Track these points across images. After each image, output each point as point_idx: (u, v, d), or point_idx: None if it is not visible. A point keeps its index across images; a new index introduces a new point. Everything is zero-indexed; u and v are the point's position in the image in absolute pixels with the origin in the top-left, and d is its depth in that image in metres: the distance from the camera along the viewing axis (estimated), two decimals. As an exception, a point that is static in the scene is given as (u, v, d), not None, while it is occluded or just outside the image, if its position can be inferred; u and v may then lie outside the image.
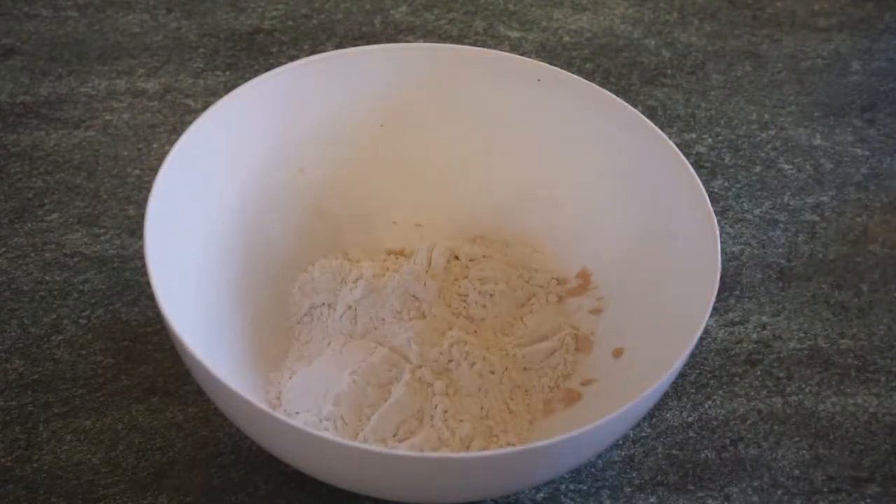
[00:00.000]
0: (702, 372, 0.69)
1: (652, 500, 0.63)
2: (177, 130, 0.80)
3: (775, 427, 0.67)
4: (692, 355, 0.67)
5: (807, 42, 0.93)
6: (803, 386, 0.69)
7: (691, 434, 0.66)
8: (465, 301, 0.69)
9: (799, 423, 0.67)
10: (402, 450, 0.61)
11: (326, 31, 0.90)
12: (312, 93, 0.70)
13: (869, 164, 0.83)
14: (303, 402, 0.63)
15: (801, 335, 0.72)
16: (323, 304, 0.69)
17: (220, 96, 0.67)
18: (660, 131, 0.66)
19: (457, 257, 0.72)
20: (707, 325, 0.61)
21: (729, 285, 0.74)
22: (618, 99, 0.68)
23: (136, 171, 0.78)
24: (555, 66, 0.70)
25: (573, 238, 0.71)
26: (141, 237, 0.60)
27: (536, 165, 0.72)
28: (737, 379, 0.69)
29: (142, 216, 0.59)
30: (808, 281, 0.75)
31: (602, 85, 0.71)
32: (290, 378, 0.64)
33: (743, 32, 0.93)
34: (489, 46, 0.88)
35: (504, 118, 0.72)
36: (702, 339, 0.70)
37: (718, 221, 0.63)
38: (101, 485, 0.62)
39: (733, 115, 0.86)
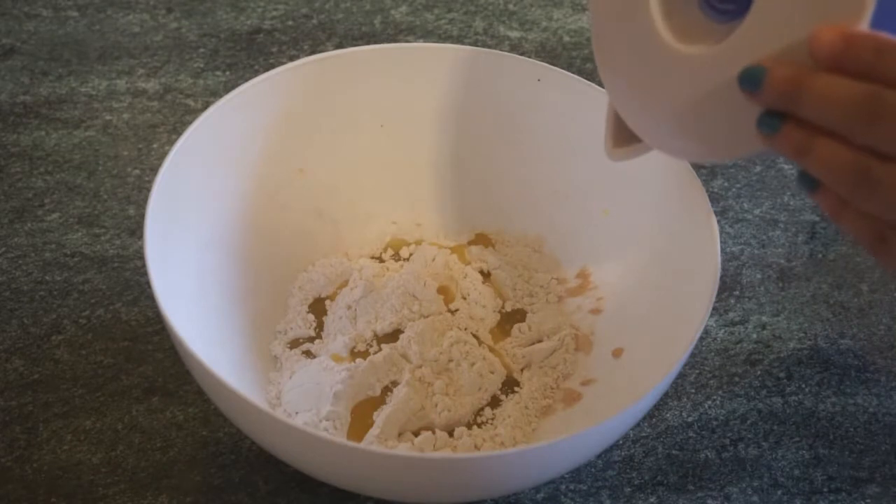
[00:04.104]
0: (702, 372, 0.69)
1: (652, 500, 0.63)
2: (177, 130, 0.80)
3: (775, 427, 0.67)
4: (692, 355, 0.67)
5: (807, 42, 0.93)
6: (803, 386, 0.69)
7: (691, 434, 0.66)
8: (465, 301, 0.69)
9: (799, 423, 0.67)
10: (402, 450, 0.61)
11: (326, 31, 0.90)
12: (312, 93, 0.70)
13: (869, 164, 0.83)
14: (303, 401, 0.63)
15: (801, 335, 0.72)
16: (323, 303, 0.69)
17: (220, 96, 0.67)
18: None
19: (457, 257, 0.72)
20: (707, 325, 0.61)
21: (729, 285, 0.74)
22: (618, 99, 0.68)
23: (136, 171, 0.78)
24: (555, 66, 0.70)
25: (573, 238, 0.71)
26: (141, 237, 0.60)
27: (536, 165, 0.72)
28: (737, 379, 0.69)
29: (142, 216, 0.59)
30: (808, 281, 0.75)
31: (602, 85, 0.71)
32: (290, 378, 0.65)
33: (743, 32, 0.93)
34: (489, 46, 0.88)
35: (504, 118, 0.72)
36: (702, 339, 0.70)
37: (718, 221, 0.63)
38: (101, 485, 0.62)
39: (733, 115, 0.86)
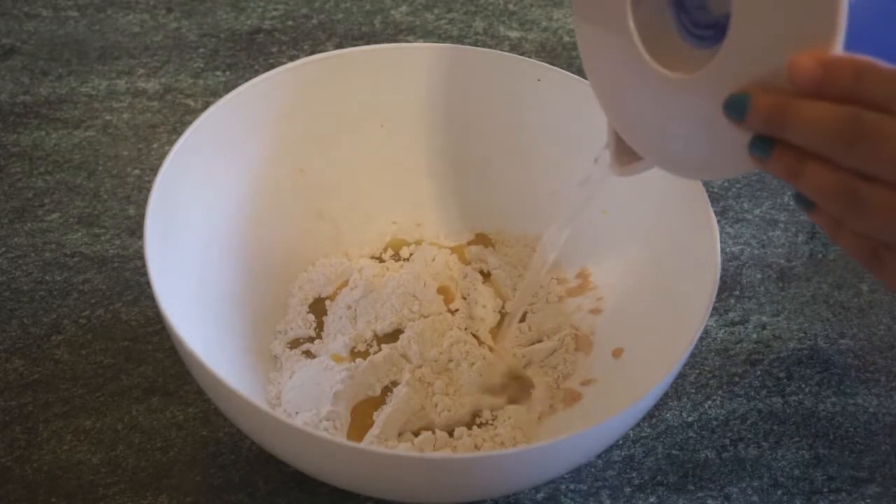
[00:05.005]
0: (702, 372, 0.69)
1: (652, 500, 0.63)
2: (177, 130, 0.80)
3: (775, 427, 0.67)
4: (692, 355, 0.67)
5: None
6: (803, 386, 0.69)
7: (691, 434, 0.66)
8: (465, 301, 0.69)
9: (799, 423, 0.67)
10: (402, 450, 0.61)
11: (326, 31, 0.90)
12: (312, 93, 0.70)
13: (869, 164, 0.83)
14: (303, 402, 0.63)
15: (801, 335, 0.72)
16: (323, 303, 0.69)
17: (220, 96, 0.67)
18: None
19: (457, 257, 0.72)
20: (707, 325, 0.61)
21: (729, 285, 0.74)
22: (618, 99, 0.68)
23: (136, 171, 0.78)
24: (555, 66, 0.70)
25: (573, 238, 0.71)
26: (141, 237, 0.60)
27: (536, 165, 0.72)
28: (737, 379, 0.69)
29: (142, 216, 0.59)
30: (808, 281, 0.75)
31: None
32: (290, 378, 0.65)
33: (743, 32, 0.93)
34: (489, 46, 0.88)
35: (504, 118, 0.72)
36: (702, 339, 0.70)
37: (718, 221, 0.63)
38: (101, 485, 0.62)
39: (733, 115, 0.86)
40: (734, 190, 0.80)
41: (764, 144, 0.45)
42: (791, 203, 0.80)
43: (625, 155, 0.57)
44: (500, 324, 0.69)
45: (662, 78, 0.51)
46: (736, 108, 0.45)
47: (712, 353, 0.70)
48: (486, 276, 0.71)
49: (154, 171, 0.62)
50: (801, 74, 0.43)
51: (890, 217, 0.43)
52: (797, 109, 0.43)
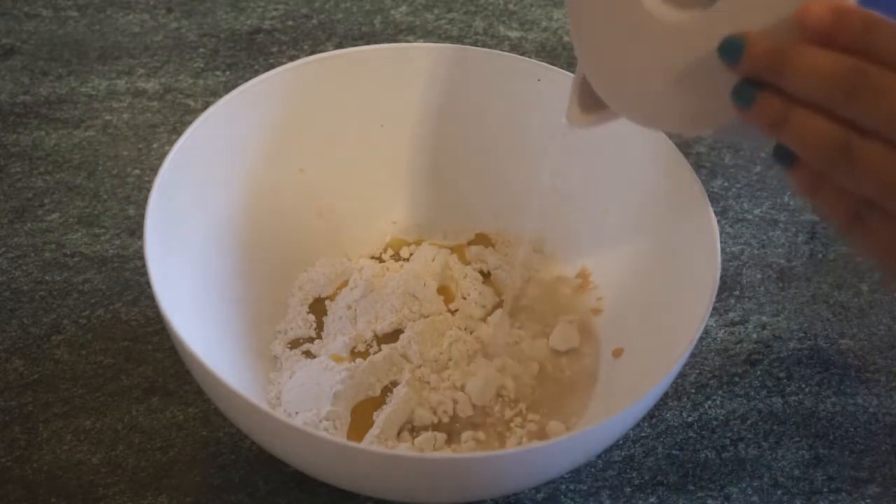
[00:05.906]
0: (702, 372, 0.69)
1: (652, 500, 0.63)
2: (177, 130, 0.80)
3: (775, 427, 0.67)
4: (692, 355, 0.67)
5: (807, 42, 0.92)
6: (803, 386, 0.69)
7: (691, 434, 0.66)
8: (465, 301, 0.69)
9: (799, 423, 0.67)
10: (403, 450, 0.61)
11: (326, 31, 0.90)
12: (312, 93, 0.70)
13: (869, 164, 0.83)
14: (303, 401, 0.63)
15: (801, 335, 0.72)
16: (323, 303, 0.69)
17: (220, 96, 0.67)
18: (660, 131, 0.66)
19: (457, 257, 0.72)
20: (707, 325, 0.61)
21: (729, 285, 0.74)
22: (618, 99, 0.68)
23: (136, 171, 0.78)
24: (555, 66, 0.70)
25: (573, 238, 0.71)
26: (141, 237, 0.60)
27: (536, 165, 0.72)
28: (737, 379, 0.69)
29: (142, 216, 0.59)
30: (808, 281, 0.75)
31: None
32: (290, 378, 0.65)
33: (743, 32, 0.93)
34: (489, 46, 0.88)
35: (504, 118, 0.72)
36: (702, 339, 0.70)
37: (718, 221, 0.63)
38: (101, 485, 0.62)
39: (733, 115, 0.86)
40: (734, 190, 0.80)
41: (749, 91, 0.45)
42: (791, 203, 0.80)
43: (587, 105, 0.56)
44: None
45: (658, 19, 0.49)
46: (732, 50, 0.45)
47: (712, 353, 0.70)
48: (486, 276, 0.71)
49: (154, 171, 0.62)
50: (811, 19, 0.42)
51: (882, 172, 0.42)
52: (799, 55, 0.43)
